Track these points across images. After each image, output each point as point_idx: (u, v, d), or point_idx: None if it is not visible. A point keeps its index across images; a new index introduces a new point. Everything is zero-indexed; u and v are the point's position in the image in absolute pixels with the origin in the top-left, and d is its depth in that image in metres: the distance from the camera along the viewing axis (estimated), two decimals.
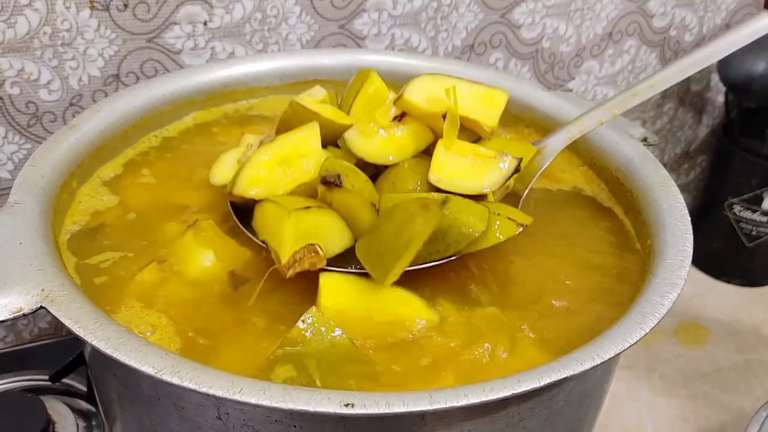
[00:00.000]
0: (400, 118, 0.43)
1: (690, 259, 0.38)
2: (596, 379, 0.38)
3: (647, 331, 0.33)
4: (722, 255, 0.86)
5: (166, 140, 0.52)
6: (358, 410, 0.29)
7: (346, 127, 0.44)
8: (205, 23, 0.59)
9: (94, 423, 0.54)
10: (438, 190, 0.41)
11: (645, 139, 0.49)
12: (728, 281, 0.87)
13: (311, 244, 0.38)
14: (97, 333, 0.32)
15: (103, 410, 0.42)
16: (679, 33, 0.79)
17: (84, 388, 0.57)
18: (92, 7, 0.55)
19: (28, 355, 0.65)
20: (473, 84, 0.44)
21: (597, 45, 0.75)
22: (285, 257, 0.37)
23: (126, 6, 0.56)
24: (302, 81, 0.57)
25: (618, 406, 0.69)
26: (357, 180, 0.40)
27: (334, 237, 0.39)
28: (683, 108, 0.86)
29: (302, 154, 0.41)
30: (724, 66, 0.76)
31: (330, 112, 0.45)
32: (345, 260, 0.39)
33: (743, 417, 0.64)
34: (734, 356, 0.76)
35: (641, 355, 0.75)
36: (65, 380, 0.57)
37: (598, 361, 0.32)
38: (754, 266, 0.86)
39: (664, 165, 0.90)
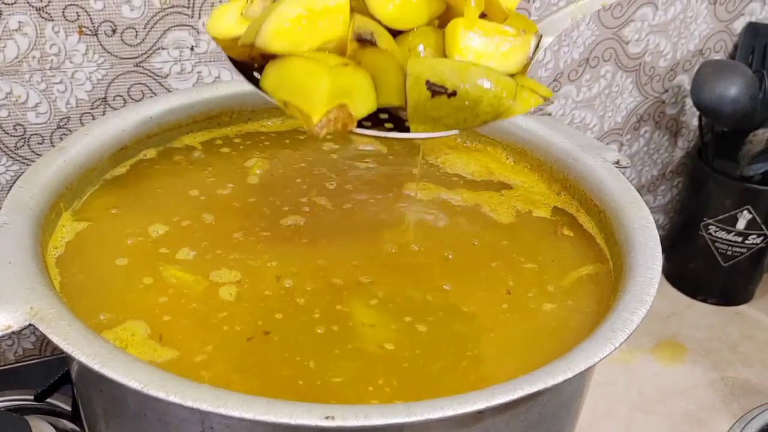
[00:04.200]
0: None
1: (659, 277, 0.40)
2: (570, 392, 0.39)
3: (617, 345, 0.35)
4: (699, 274, 0.88)
5: (152, 162, 0.53)
6: (338, 422, 0.30)
7: None
8: (191, 48, 0.61)
9: None
10: None
11: (617, 162, 0.51)
12: (705, 300, 0.88)
13: (343, 104, 0.37)
14: (85, 349, 0.33)
15: (88, 428, 0.43)
16: (653, 58, 0.81)
17: (68, 408, 0.57)
18: (80, 32, 0.57)
19: (13, 375, 0.65)
20: None
21: (574, 70, 0.78)
22: (318, 116, 0.37)
23: (114, 31, 0.57)
24: None
25: (597, 423, 0.70)
26: (389, 41, 0.39)
27: (362, 99, 0.38)
28: (659, 131, 0.88)
29: (330, 9, 0.39)
30: (697, 91, 0.78)
31: None
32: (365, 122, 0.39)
33: None
34: (711, 373, 0.77)
35: (620, 373, 0.76)
36: (50, 400, 0.57)
37: (570, 375, 0.33)
38: (730, 286, 0.88)
39: (642, 187, 0.92)
